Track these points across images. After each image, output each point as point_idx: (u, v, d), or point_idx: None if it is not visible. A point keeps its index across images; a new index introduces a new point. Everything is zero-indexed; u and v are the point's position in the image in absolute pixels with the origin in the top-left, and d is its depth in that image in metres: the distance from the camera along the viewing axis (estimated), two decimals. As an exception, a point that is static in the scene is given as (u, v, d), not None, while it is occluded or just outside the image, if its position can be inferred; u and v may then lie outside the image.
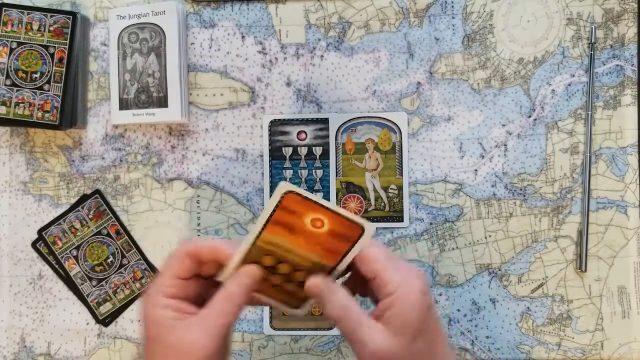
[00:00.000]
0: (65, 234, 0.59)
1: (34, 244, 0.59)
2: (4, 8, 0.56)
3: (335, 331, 0.57)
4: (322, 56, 0.58)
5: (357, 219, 0.40)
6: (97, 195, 0.59)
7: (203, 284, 0.43)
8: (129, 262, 0.59)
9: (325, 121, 0.58)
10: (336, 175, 0.58)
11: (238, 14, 0.58)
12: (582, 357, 0.57)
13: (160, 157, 0.59)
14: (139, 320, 0.58)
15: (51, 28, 0.56)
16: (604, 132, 0.57)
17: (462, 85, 0.57)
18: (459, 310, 0.57)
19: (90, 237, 0.59)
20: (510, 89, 0.57)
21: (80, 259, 0.58)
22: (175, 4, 0.56)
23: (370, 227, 0.41)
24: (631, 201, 0.57)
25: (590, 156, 0.56)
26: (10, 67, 0.55)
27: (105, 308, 0.59)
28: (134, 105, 0.57)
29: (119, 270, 0.59)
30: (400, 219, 0.57)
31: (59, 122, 0.55)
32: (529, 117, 0.57)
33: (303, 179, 0.58)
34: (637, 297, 0.57)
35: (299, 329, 0.57)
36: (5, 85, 0.55)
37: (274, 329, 0.57)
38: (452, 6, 0.57)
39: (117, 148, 0.59)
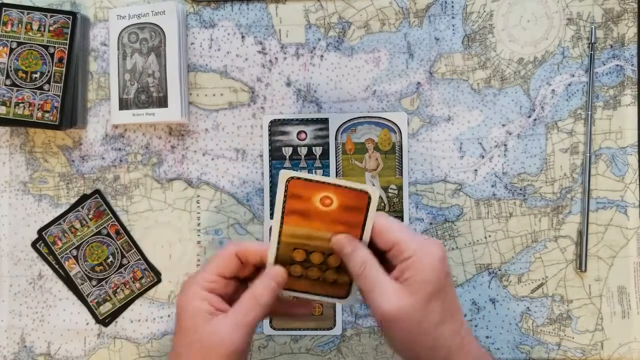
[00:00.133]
0: (65, 234, 0.59)
1: (34, 244, 0.59)
2: (4, 8, 0.56)
3: (335, 331, 0.57)
4: (322, 56, 0.58)
5: (360, 186, 0.42)
6: (97, 195, 0.59)
7: (238, 285, 0.45)
8: (128, 262, 0.59)
9: (325, 121, 0.58)
10: (336, 175, 0.58)
11: (238, 14, 0.58)
12: (582, 357, 0.57)
13: (160, 157, 0.59)
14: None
15: (51, 28, 0.56)
16: (604, 132, 0.57)
17: (462, 85, 0.57)
18: (459, 310, 0.57)
19: (90, 237, 0.59)
20: (510, 89, 0.57)
21: (80, 259, 0.58)
22: (175, 4, 0.56)
23: (374, 191, 0.42)
24: (631, 201, 0.57)
25: (590, 156, 0.56)
26: (10, 67, 0.55)
27: (105, 308, 0.59)
28: (133, 105, 0.57)
29: (119, 270, 0.59)
30: (400, 219, 0.57)
31: (59, 122, 0.55)
32: (529, 117, 0.57)
33: (303, 179, 0.58)
34: (637, 297, 0.57)
35: (299, 329, 0.57)
36: (5, 85, 0.55)
37: (274, 329, 0.57)
38: (452, 6, 0.57)
39: (117, 148, 0.59)
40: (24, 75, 0.56)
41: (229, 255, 0.44)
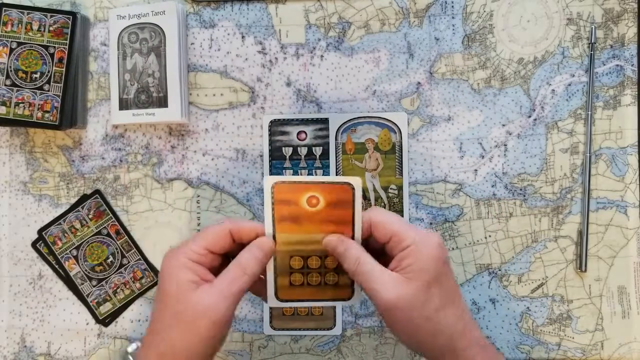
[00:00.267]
0: (65, 234, 0.59)
1: (34, 244, 0.59)
2: (4, 8, 0.56)
3: (335, 331, 0.57)
4: (322, 56, 0.58)
5: (341, 178, 0.43)
6: (97, 195, 0.59)
7: (224, 261, 0.45)
8: (129, 262, 0.59)
9: (325, 121, 0.58)
10: (336, 175, 0.58)
11: (238, 14, 0.58)
12: (582, 357, 0.57)
13: (160, 157, 0.59)
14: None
15: (51, 28, 0.56)
16: (604, 132, 0.57)
17: (462, 85, 0.57)
18: (459, 310, 0.57)
19: (90, 237, 0.59)
20: (510, 89, 0.57)
21: (80, 259, 0.58)
22: (175, 4, 0.56)
23: (356, 180, 0.43)
24: (631, 201, 0.57)
25: (590, 156, 0.56)
26: (10, 67, 0.55)
27: (105, 308, 0.59)
28: (134, 105, 0.57)
29: (119, 270, 0.59)
30: (400, 219, 0.57)
31: (59, 122, 0.55)
32: (529, 117, 0.57)
33: (303, 179, 0.58)
34: (637, 297, 0.57)
35: (299, 329, 0.57)
36: (5, 85, 0.55)
37: (274, 329, 0.57)
38: (452, 6, 0.57)
39: (117, 148, 0.59)
40: (24, 75, 0.56)
41: (222, 232, 0.44)
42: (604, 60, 0.57)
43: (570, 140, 0.57)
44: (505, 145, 0.57)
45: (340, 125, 0.58)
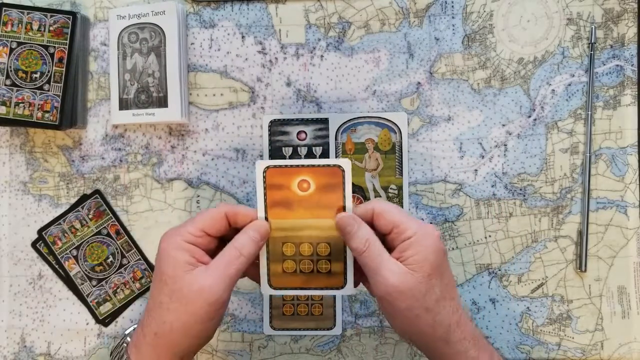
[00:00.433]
0: (65, 234, 0.59)
1: (34, 244, 0.59)
2: (4, 8, 0.56)
3: (335, 331, 0.57)
4: (322, 56, 0.58)
5: (331, 161, 0.44)
6: (97, 195, 0.59)
7: (220, 245, 0.45)
8: (128, 262, 0.59)
9: (325, 121, 0.58)
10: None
11: (238, 14, 0.58)
12: (582, 357, 0.57)
13: (160, 157, 0.59)
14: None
15: (51, 28, 0.56)
16: (604, 132, 0.57)
17: (462, 85, 0.57)
18: (459, 310, 0.57)
19: (90, 237, 0.59)
20: (510, 89, 0.57)
21: (80, 259, 0.58)
22: (175, 4, 0.56)
23: (345, 162, 0.44)
24: (631, 201, 0.57)
25: (590, 156, 0.56)
26: (10, 67, 0.55)
27: (105, 308, 0.59)
28: (133, 105, 0.57)
29: (119, 270, 0.59)
30: (400, 219, 0.57)
31: (59, 122, 0.55)
32: (529, 117, 0.57)
33: (303, 179, 0.58)
34: (637, 297, 0.57)
35: (299, 329, 0.57)
36: (5, 85, 0.55)
37: (274, 329, 0.57)
38: (452, 6, 0.57)
39: (117, 148, 0.59)
40: (24, 75, 0.56)
41: (218, 214, 0.44)
42: (604, 60, 0.57)
43: (570, 140, 0.57)
44: (505, 145, 0.57)
45: (340, 125, 0.58)
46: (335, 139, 0.58)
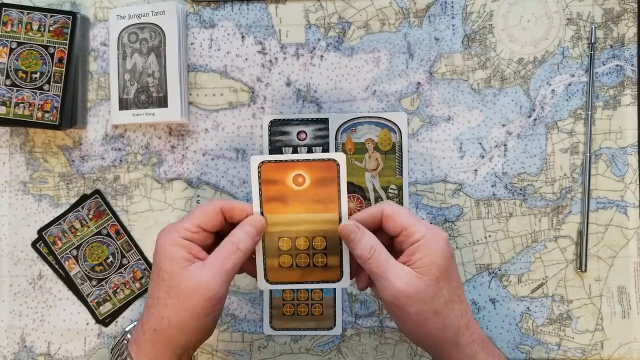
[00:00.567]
0: (65, 234, 0.59)
1: (34, 244, 0.59)
2: (4, 8, 0.56)
3: (335, 331, 0.57)
4: (322, 56, 0.58)
5: (326, 155, 0.44)
6: (97, 195, 0.59)
7: (218, 239, 0.45)
8: (128, 262, 0.59)
9: (325, 121, 0.58)
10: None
11: (238, 14, 0.58)
12: (582, 357, 0.57)
13: (160, 157, 0.59)
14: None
15: (51, 28, 0.56)
16: (604, 132, 0.57)
17: (462, 85, 0.57)
18: (459, 310, 0.57)
19: (90, 237, 0.59)
20: (510, 89, 0.57)
21: (80, 259, 0.58)
22: (175, 4, 0.56)
23: (340, 156, 0.44)
24: (631, 201, 0.57)
25: (590, 156, 0.56)
26: (10, 67, 0.55)
27: (105, 308, 0.59)
28: (133, 105, 0.57)
29: (119, 270, 0.59)
30: (400, 219, 0.57)
31: (58, 122, 0.55)
32: (529, 117, 0.57)
33: (303, 179, 0.58)
34: (637, 297, 0.57)
35: (299, 329, 0.57)
36: (5, 85, 0.55)
37: (274, 329, 0.57)
38: (452, 6, 0.57)
39: (117, 148, 0.59)
40: (24, 75, 0.56)
41: (214, 209, 0.44)
42: (604, 60, 0.57)
43: (570, 140, 0.57)
44: (505, 145, 0.57)
45: (340, 125, 0.58)
46: (335, 139, 0.58)
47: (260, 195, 0.44)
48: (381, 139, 0.57)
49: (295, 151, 0.58)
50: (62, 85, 0.56)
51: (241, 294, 0.58)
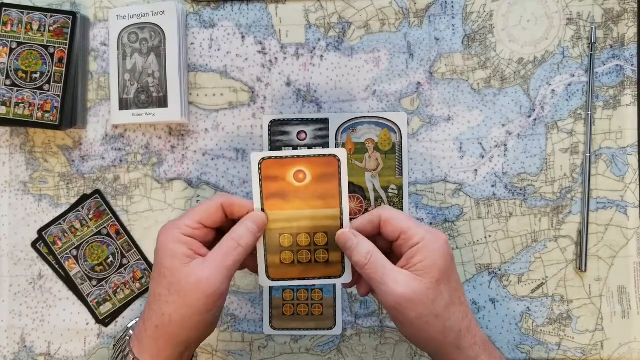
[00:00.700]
0: (65, 234, 0.59)
1: (34, 244, 0.59)
2: (4, 8, 0.56)
3: (335, 331, 0.57)
4: (322, 56, 0.58)
5: (327, 151, 0.44)
6: (97, 195, 0.59)
7: (218, 236, 0.45)
8: (129, 262, 0.59)
9: (325, 121, 0.58)
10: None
11: (238, 14, 0.58)
12: (582, 357, 0.57)
13: (160, 157, 0.59)
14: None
15: (51, 28, 0.56)
16: (604, 132, 0.57)
17: (462, 85, 0.57)
18: (459, 310, 0.57)
19: (90, 237, 0.59)
20: (510, 89, 0.57)
21: (80, 259, 0.58)
22: (175, 4, 0.56)
23: (341, 152, 0.44)
24: (631, 201, 0.57)
25: (590, 156, 0.56)
26: (10, 67, 0.55)
27: (105, 308, 0.59)
28: (133, 105, 0.57)
29: (119, 270, 0.59)
30: (400, 219, 0.57)
31: (59, 122, 0.55)
32: (529, 117, 0.57)
33: (303, 179, 0.58)
34: (637, 297, 0.57)
35: (299, 329, 0.57)
36: (5, 85, 0.55)
37: (274, 329, 0.57)
38: (452, 6, 0.57)
39: (117, 148, 0.59)
40: (24, 75, 0.56)
41: (215, 205, 0.44)
42: (604, 60, 0.57)
43: (570, 140, 0.57)
44: (505, 145, 0.57)
45: (340, 125, 0.58)
46: (335, 139, 0.58)
47: (261, 191, 0.44)
48: (381, 139, 0.57)
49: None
50: (62, 85, 0.56)
51: (241, 293, 0.58)
